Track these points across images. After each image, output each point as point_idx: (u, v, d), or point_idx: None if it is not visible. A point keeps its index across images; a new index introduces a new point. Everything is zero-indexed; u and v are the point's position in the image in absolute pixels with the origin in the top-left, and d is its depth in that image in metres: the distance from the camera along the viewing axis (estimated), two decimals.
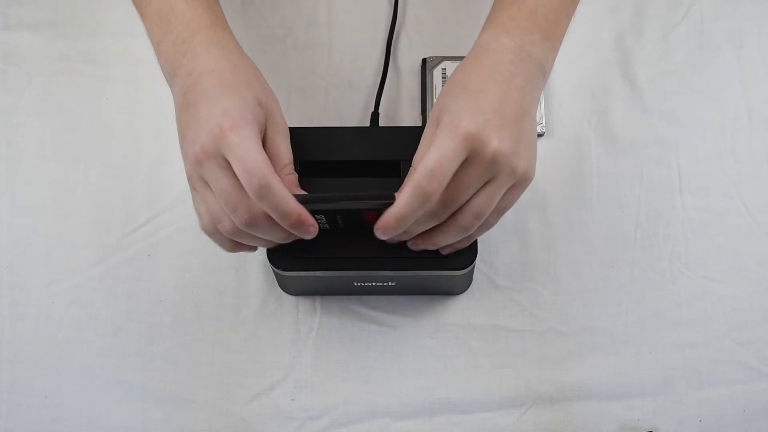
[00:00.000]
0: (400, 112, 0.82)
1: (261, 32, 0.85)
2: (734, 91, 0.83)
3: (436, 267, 0.69)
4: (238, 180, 0.58)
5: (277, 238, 0.62)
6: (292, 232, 0.60)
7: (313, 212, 0.65)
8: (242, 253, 0.77)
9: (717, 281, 0.76)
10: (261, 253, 0.77)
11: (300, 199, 0.63)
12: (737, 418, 0.72)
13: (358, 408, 0.73)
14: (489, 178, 0.60)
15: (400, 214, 0.59)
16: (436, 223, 0.62)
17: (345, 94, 0.83)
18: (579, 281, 0.76)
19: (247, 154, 0.57)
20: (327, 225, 0.67)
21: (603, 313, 0.75)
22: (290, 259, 0.69)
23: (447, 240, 0.64)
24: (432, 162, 0.58)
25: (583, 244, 0.77)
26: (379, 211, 0.65)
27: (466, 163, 0.59)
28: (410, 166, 0.63)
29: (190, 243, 0.77)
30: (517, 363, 0.74)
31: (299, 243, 0.69)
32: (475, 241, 0.69)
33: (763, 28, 0.85)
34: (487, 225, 0.64)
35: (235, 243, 0.63)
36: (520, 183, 0.62)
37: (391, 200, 0.63)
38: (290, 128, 0.69)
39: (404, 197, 0.59)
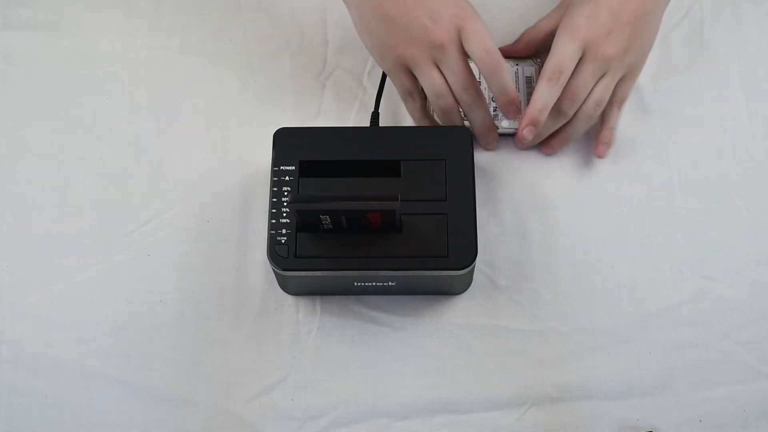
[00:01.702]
0: (400, 112, 0.82)
1: (261, 32, 0.85)
2: (734, 91, 0.83)
3: (436, 267, 0.69)
4: (468, 66, 0.73)
5: (480, 119, 0.76)
6: (501, 112, 0.76)
7: (318, 212, 0.65)
8: (242, 253, 0.77)
9: (717, 281, 0.76)
10: (261, 253, 0.77)
11: (306, 199, 0.63)
12: (737, 418, 0.72)
13: (358, 408, 0.73)
14: (602, 74, 0.74)
15: (540, 104, 0.73)
16: (564, 120, 0.76)
17: (345, 94, 0.83)
18: (579, 281, 0.76)
19: (487, 38, 0.72)
20: (331, 225, 0.68)
21: (603, 313, 0.75)
22: (290, 259, 0.69)
23: (577, 131, 0.78)
24: (553, 62, 0.73)
25: (583, 244, 0.77)
26: (382, 213, 0.65)
27: (581, 61, 0.73)
28: (410, 165, 0.71)
29: (190, 243, 0.78)
30: (517, 363, 0.74)
31: (299, 243, 0.69)
32: (476, 241, 0.69)
33: (763, 28, 0.85)
34: (612, 116, 0.78)
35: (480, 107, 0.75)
36: (627, 76, 0.76)
37: (396, 201, 0.63)
38: (290, 128, 0.69)
39: (539, 89, 0.73)
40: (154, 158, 0.80)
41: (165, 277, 0.77)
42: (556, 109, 0.75)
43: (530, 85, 0.81)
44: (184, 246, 0.77)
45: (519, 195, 0.79)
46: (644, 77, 0.82)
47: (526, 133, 0.74)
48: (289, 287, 0.75)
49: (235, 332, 0.75)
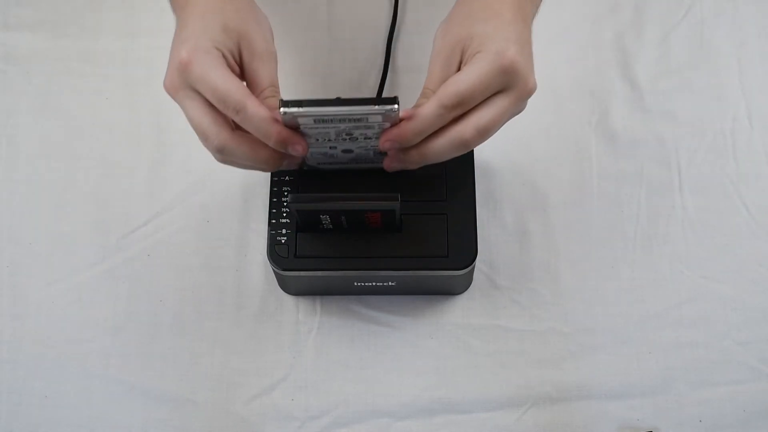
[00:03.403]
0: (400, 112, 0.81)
1: None
2: (734, 91, 0.83)
3: (436, 267, 0.69)
4: (205, 108, 0.58)
5: (262, 161, 0.60)
6: (279, 150, 0.59)
7: (318, 212, 0.65)
8: (242, 253, 0.77)
9: (717, 281, 0.76)
10: (261, 253, 0.77)
11: (306, 199, 0.63)
12: (737, 418, 0.72)
13: (358, 408, 0.73)
14: (517, 112, 0.61)
15: (420, 129, 0.59)
16: (461, 150, 0.61)
17: (345, 94, 0.82)
18: (579, 281, 0.76)
19: (215, 84, 0.57)
20: (331, 225, 0.68)
21: (603, 313, 0.75)
22: (290, 259, 0.69)
23: (443, 155, 0.61)
24: (465, 86, 0.57)
25: (583, 244, 0.77)
26: (382, 213, 0.65)
27: (501, 95, 0.59)
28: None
29: (190, 243, 0.78)
30: (517, 363, 0.74)
31: (299, 243, 0.69)
32: (476, 241, 0.69)
33: (763, 28, 0.85)
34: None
35: (253, 148, 0.60)
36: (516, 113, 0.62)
37: (396, 200, 0.63)
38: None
39: (427, 113, 0.58)
40: (154, 158, 0.80)
41: (165, 277, 0.77)
42: (457, 137, 0.60)
43: None
44: (184, 246, 0.77)
45: (519, 195, 0.79)
46: (644, 77, 0.83)
47: (386, 146, 0.60)
48: (289, 287, 0.75)
49: (235, 332, 0.75)
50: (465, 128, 0.59)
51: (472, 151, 0.72)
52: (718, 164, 0.80)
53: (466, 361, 0.74)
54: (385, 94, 0.80)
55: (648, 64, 0.83)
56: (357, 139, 0.63)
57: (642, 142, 0.81)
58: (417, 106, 0.60)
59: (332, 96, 0.60)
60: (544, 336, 0.75)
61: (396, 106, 0.58)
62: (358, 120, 0.59)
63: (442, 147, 0.61)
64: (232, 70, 0.60)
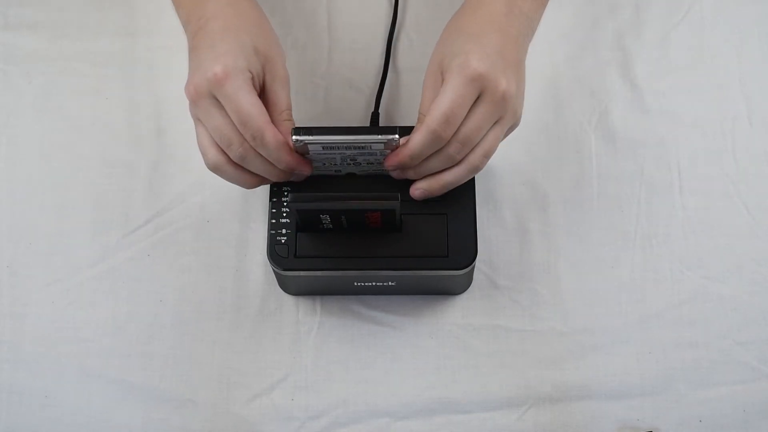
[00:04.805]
0: (400, 112, 0.82)
1: None
2: (734, 91, 0.83)
3: (436, 267, 0.69)
4: (228, 118, 0.63)
5: (273, 176, 0.66)
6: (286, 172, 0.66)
7: (318, 212, 0.65)
8: (242, 253, 0.77)
9: (717, 281, 0.76)
10: (261, 253, 0.77)
11: (306, 199, 0.64)
12: (737, 418, 0.72)
13: (358, 408, 0.73)
14: (498, 119, 0.64)
15: (414, 153, 0.64)
16: (450, 164, 0.66)
17: (345, 94, 0.83)
18: (579, 281, 0.76)
19: (241, 105, 0.62)
20: (331, 225, 0.68)
21: (603, 313, 0.75)
22: (290, 259, 0.69)
23: (459, 180, 0.67)
24: (445, 106, 0.62)
25: (583, 244, 0.77)
26: (382, 212, 0.66)
27: (477, 103, 0.63)
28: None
29: (190, 243, 0.78)
30: (517, 363, 0.74)
31: (299, 243, 0.69)
32: (476, 241, 0.69)
33: (763, 28, 0.85)
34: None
35: (242, 175, 0.66)
36: (513, 126, 0.67)
37: (396, 200, 0.64)
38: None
39: (418, 139, 0.63)
40: (154, 158, 0.80)
41: (165, 277, 0.77)
42: (440, 155, 0.65)
43: None
44: (184, 246, 0.77)
45: (519, 195, 0.79)
46: (644, 77, 0.83)
47: (389, 170, 0.67)
48: (289, 287, 0.75)
49: (235, 332, 0.75)
50: (474, 154, 0.65)
51: None
52: (718, 164, 0.80)
53: (466, 361, 0.74)
54: (385, 94, 0.80)
55: (648, 64, 0.83)
56: (360, 164, 0.68)
57: (642, 142, 0.81)
58: (414, 131, 0.65)
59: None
60: (544, 336, 0.75)
61: (396, 136, 0.64)
62: (362, 147, 0.65)
63: (455, 174, 0.66)
64: (256, 91, 0.65)
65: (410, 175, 0.67)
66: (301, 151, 0.66)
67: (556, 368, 0.74)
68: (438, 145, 0.64)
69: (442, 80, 0.64)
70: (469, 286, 0.76)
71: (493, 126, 0.65)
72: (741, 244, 0.77)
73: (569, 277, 0.76)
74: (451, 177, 0.67)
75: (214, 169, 0.66)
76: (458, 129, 0.63)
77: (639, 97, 0.82)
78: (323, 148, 0.66)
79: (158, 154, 0.81)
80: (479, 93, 0.63)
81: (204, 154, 0.66)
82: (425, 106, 0.66)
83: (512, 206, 0.79)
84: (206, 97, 0.63)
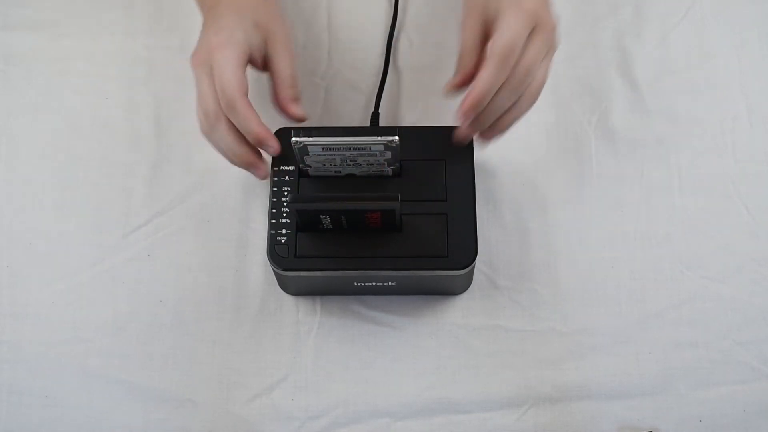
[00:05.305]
0: (400, 112, 0.82)
1: None
2: (734, 91, 0.83)
3: (436, 267, 0.69)
4: (214, 88, 0.67)
5: (237, 154, 0.68)
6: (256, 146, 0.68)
7: (318, 212, 0.66)
8: (242, 253, 0.77)
9: (717, 281, 0.76)
10: (261, 253, 0.77)
11: (306, 199, 0.64)
12: (737, 418, 0.72)
13: (358, 408, 0.73)
14: (548, 50, 0.68)
15: (484, 88, 0.65)
16: (515, 98, 0.68)
17: (345, 94, 0.83)
18: (579, 281, 0.76)
19: (223, 74, 0.66)
20: (331, 225, 0.68)
21: (603, 313, 0.75)
22: (290, 259, 0.69)
23: (522, 114, 0.69)
24: (508, 38, 0.65)
25: (583, 244, 0.77)
26: (382, 213, 0.66)
27: (531, 37, 0.67)
28: (410, 165, 0.70)
29: (190, 243, 0.78)
30: (517, 363, 0.74)
31: (299, 243, 0.69)
32: (476, 241, 0.69)
33: (763, 28, 0.85)
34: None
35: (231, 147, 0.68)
36: (552, 57, 0.70)
37: (396, 200, 0.64)
38: (291, 128, 0.69)
39: (486, 73, 0.65)
40: (153, 158, 0.80)
41: (165, 277, 0.77)
42: (506, 88, 0.67)
43: None
44: (184, 246, 0.77)
45: (519, 195, 0.79)
46: (644, 77, 0.83)
47: (465, 116, 0.67)
48: (289, 287, 0.75)
49: (235, 332, 0.75)
50: (536, 82, 0.68)
51: (472, 150, 0.73)
52: (718, 164, 0.80)
53: (466, 361, 0.74)
54: (385, 94, 0.80)
55: (648, 64, 0.83)
56: (360, 165, 0.68)
57: (642, 142, 0.81)
58: (459, 71, 0.68)
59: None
60: (544, 336, 0.75)
61: (396, 137, 0.65)
62: (362, 148, 0.66)
63: (519, 108, 0.69)
64: (256, 62, 0.70)
65: (480, 121, 0.68)
66: (301, 153, 0.67)
67: (556, 368, 0.74)
68: (503, 78, 0.66)
69: (489, 21, 0.67)
70: (469, 286, 0.76)
71: (544, 57, 0.68)
72: (741, 244, 0.77)
73: (569, 277, 0.76)
74: (517, 111, 0.69)
75: (204, 134, 0.69)
76: (518, 62, 0.66)
77: (639, 97, 0.82)
78: (323, 149, 0.66)
79: (158, 154, 0.81)
80: (533, 27, 0.66)
81: (198, 120, 0.69)
82: (467, 47, 0.69)
83: (512, 206, 0.79)
84: (201, 65, 0.67)
